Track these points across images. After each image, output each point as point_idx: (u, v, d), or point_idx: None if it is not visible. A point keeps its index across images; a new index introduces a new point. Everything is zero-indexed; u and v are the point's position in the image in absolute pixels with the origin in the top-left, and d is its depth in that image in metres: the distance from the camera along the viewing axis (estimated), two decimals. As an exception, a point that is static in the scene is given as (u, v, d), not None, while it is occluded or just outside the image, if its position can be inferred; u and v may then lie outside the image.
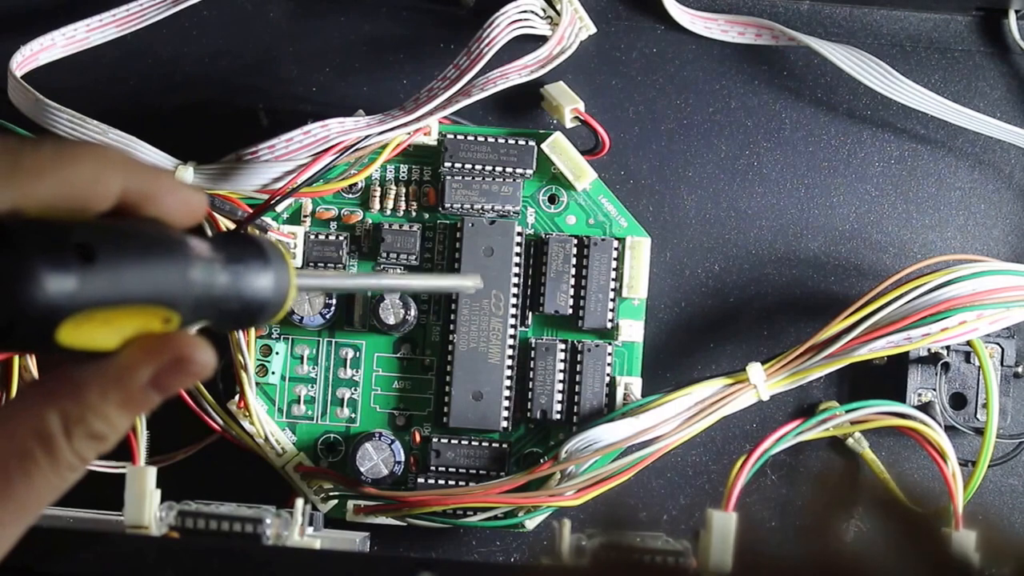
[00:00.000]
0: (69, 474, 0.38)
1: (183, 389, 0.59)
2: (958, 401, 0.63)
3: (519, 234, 0.62)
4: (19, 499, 0.37)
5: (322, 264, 0.62)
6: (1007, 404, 0.63)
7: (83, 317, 0.36)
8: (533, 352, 0.62)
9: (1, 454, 0.37)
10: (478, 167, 0.62)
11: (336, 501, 0.62)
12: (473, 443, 0.62)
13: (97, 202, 0.37)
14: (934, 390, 0.63)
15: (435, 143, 0.62)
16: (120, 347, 0.38)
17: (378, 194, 0.63)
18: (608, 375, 0.62)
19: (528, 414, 0.62)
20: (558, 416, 0.62)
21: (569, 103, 0.63)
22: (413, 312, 0.61)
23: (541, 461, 0.61)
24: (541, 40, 0.63)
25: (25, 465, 0.37)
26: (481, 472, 0.62)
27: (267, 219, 0.61)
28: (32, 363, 0.60)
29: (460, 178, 0.62)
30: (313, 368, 0.63)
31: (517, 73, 0.61)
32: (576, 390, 0.62)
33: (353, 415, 0.63)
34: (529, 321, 0.63)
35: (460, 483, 0.61)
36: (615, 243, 0.62)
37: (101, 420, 0.38)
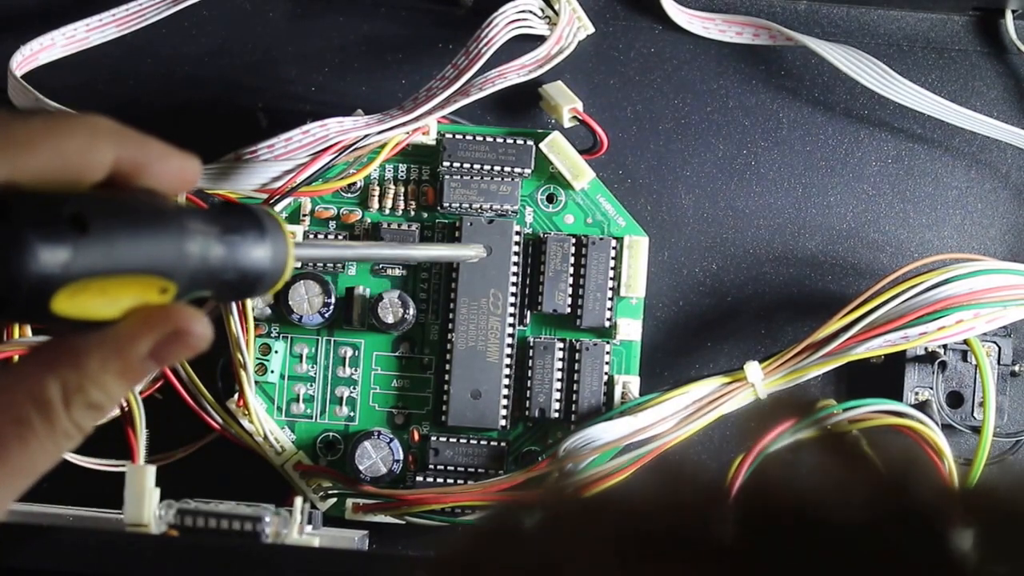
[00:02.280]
0: (65, 442, 0.38)
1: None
2: (955, 400, 0.63)
3: (517, 233, 0.62)
4: (14, 463, 0.37)
5: (320, 264, 0.62)
6: (1004, 403, 0.63)
7: (79, 287, 0.36)
8: (531, 351, 0.62)
9: None
10: (476, 166, 0.62)
11: (335, 499, 0.62)
12: (472, 441, 0.62)
13: (90, 172, 0.38)
14: (931, 389, 0.63)
15: (434, 142, 0.62)
16: (119, 317, 0.38)
17: (377, 193, 0.63)
18: (606, 374, 0.62)
19: (526, 412, 0.62)
20: (556, 414, 0.62)
21: (567, 103, 0.63)
22: (412, 311, 0.62)
23: (539, 459, 0.61)
24: (539, 40, 0.63)
25: (21, 431, 0.37)
26: (479, 470, 0.62)
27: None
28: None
29: (459, 177, 0.62)
30: (312, 367, 0.63)
31: (515, 73, 0.61)
32: (574, 389, 0.62)
33: (352, 414, 0.63)
34: (527, 320, 0.63)
35: (458, 481, 0.61)
36: (613, 242, 0.62)
37: (99, 389, 0.38)
